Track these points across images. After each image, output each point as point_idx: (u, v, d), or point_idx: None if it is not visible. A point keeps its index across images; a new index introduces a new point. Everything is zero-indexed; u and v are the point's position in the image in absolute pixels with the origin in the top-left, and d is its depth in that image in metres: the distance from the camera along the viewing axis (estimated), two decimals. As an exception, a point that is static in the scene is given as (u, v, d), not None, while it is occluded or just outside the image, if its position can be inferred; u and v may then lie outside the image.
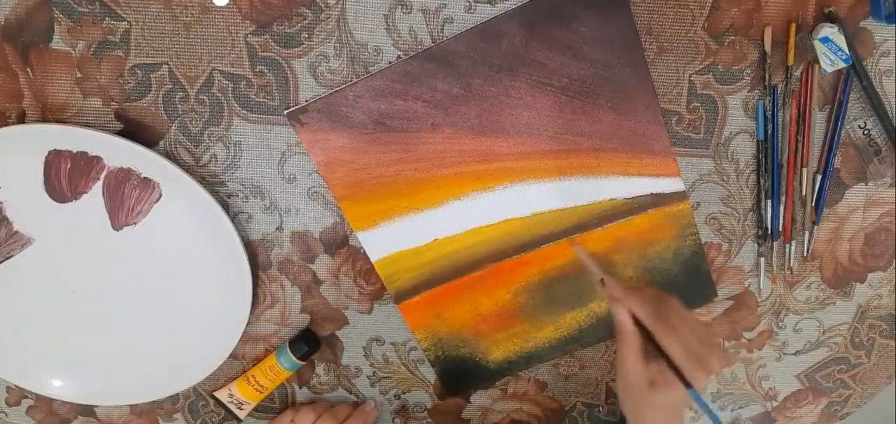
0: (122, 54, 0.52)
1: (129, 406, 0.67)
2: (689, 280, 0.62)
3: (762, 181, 0.57)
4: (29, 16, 0.51)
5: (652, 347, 0.50)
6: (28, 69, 0.52)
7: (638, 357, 0.50)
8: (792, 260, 0.61)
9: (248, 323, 0.60)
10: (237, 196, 0.57)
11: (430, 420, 0.69)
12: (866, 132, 0.56)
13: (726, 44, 0.53)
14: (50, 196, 0.55)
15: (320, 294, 0.61)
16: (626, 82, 0.53)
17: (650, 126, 0.55)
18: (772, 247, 0.60)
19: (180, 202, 0.55)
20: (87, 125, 0.53)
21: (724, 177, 0.58)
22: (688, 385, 0.49)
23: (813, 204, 0.58)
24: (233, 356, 0.62)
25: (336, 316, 0.63)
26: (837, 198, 0.59)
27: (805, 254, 0.61)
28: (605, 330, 0.64)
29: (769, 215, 0.59)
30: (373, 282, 0.61)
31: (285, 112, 0.54)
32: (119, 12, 0.51)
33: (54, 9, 0.50)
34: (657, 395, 0.50)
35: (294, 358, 0.61)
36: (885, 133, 0.56)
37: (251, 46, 0.52)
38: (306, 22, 0.51)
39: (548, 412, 0.69)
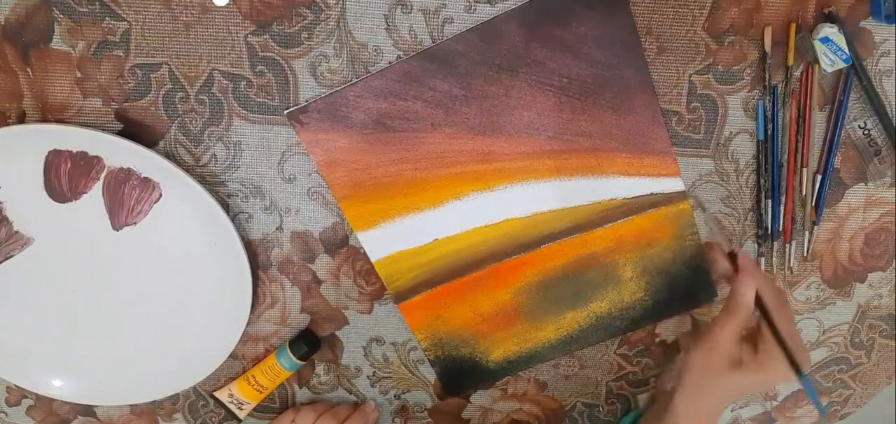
0: (122, 54, 0.52)
1: (129, 406, 0.67)
2: (689, 280, 0.61)
3: (762, 181, 0.57)
4: (29, 16, 0.51)
5: (762, 329, 0.50)
6: (28, 69, 0.52)
7: (737, 333, 0.50)
8: (792, 260, 0.61)
9: (248, 323, 0.60)
10: (237, 196, 0.57)
11: (430, 420, 0.69)
12: (866, 132, 0.56)
13: (726, 44, 0.53)
14: (50, 196, 0.55)
15: (320, 294, 0.61)
16: (626, 82, 0.53)
17: (650, 126, 0.55)
18: (772, 247, 0.60)
19: (180, 202, 0.55)
20: (87, 125, 0.53)
21: (724, 177, 0.58)
22: (798, 370, 0.49)
23: (813, 204, 0.58)
24: (233, 356, 0.62)
25: (336, 316, 0.63)
26: (837, 198, 0.59)
27: (805, 254, 0.61)
28: (604, 330, 0.64)
29: (769, 215, 0.59)
30: (373, 282, 0.61)
31: (285, 112, 0.54)
32: (119, 12, 0.51)
33: (54, 9, 0.50)
34: (739, 376, 0.50)
35: (294, 358, 0.61)
36: (885, 133, 0.56)
37: (251, 46, 0.52)
38: (306, 22, 0.51)
39: (548, 412, 0.69)
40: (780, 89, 0.55)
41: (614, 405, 0.69)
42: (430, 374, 0.66)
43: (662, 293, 0.62)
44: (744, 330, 0.51)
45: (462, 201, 0.57)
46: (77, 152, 0.53)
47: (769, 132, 0.56)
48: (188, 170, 0.54)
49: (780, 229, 0.60)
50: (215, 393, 0.65)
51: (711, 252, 0.54)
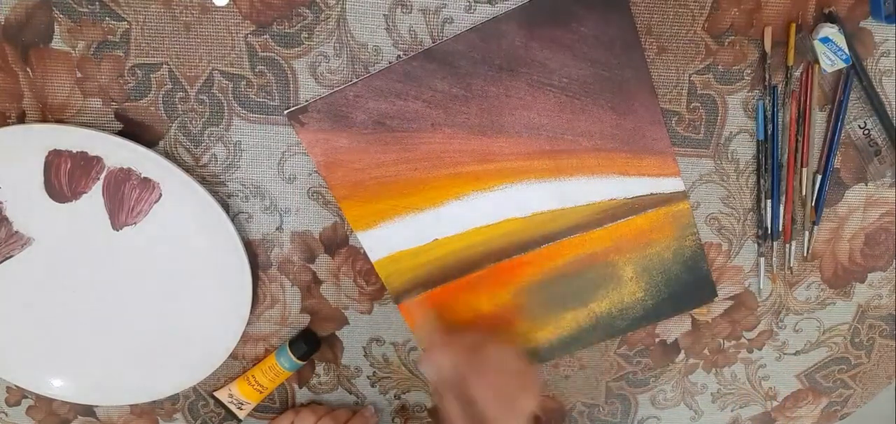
0: (122, 54, 0.52)
1: (129, 406, 0.67)
2: (689, 280, 0.62)
3: (762, 181, 0.57)
4: (29, 16, 0.51)
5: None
6: (28, 69, 0.52)
7: (454, 406, 0.52)
8: (792, 260, 0.61)
9: (248, 323, 0.60)
10: (237, 196, 0.57)
11: (430, 420, 0.69)
12: (866, 132, 0.56)
13: (726, 44, 0.53)
14: (50, 196, 0.55)
15: (320, 294, 0.61)
16: (626, 82, 0.53)
17: (650, 126, 0.55)
18: (772, 247, 0.60)
19: (180, 202, 0.55)
20: (87, 125, 0.53)
21: (724, 177, 0.58)
22: None
23: (813, 204, 0.58)
24: (233, 356, 0.62)
25: (336, 315, 0.63)
26: (837, 198, 0.59)
27: (805, 254, 0.61)
28: (604, 330, 0.64)
29: (769, 215, 0.59)
30: (373, 282, 0.61)
31: (285, 112, 0.54)
32: (119, 12, 0.51)
33: (54, 9, 0.50)
34: None
35: (294, 358, 0.61)
36: (885, 133, 0.56)
37: (251, 46, 0.52)
38: (306, 22, 0.51)
39: (548, 412, 0.69)
40: (780, 89, 0.55)
41: (614, 405, 0.69)
42: (430, 374, 0.66)
43: (662, 293, 0.62)
44: (459, 400, 0.52)
45: (462, 201, 0.57)
46: (77, 152, 0.53)
47: (769, 132, 0.56)
48: (188, 170, 0.54)
49: (780, 229, 0.60)
50: (215, 393, 0.65)
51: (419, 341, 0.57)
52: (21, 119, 0.54)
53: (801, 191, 0.58)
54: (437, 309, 0.62)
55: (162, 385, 0.64)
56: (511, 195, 0.57)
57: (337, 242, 0.59)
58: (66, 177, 0.54)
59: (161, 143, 0.55)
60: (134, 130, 0.54)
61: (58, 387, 0.64)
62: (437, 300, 0.61)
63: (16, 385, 0.66)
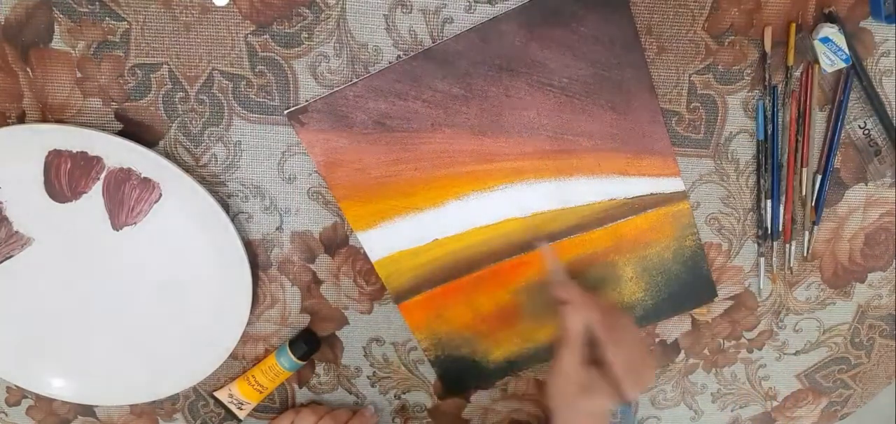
0: (122, 54, 0.52)
1: (129, 406, 0.67)
2: (689, 280, 0.62)
3: (762, 181, 0.57)
4: (29, 16, 0.51)
5: (592, 356, 0.52)
6: (28, 69, 0.52)
7: (577, 362, 0.52)
8: (792, 260, 0.61)
9: (248, 323, 0.60)
10: (237, 196, 0.57)
11: (430, 420, 0.69)
12: (866, 132, 0.56)
13: (726, 44, 0.53)
14: (50, 196, 0.55)
15: (320, 294, 0.61)
16: (626, 82, 0.53)
17: (650, 126, 0.55)
18: (772, 247, 0.60)
19: (180, 202, 0.55)
20: (87, 125, 0.53)
21: (724, 177, 0.58)
22: (622, 399, 0.51)
23: (813, 204, 0.58)
24: (233, 356, 0.62)
25: (336, 315, 0.63)
26: (837, 198, 0.59)
27: (805, 254, 0.61)
28: (605, 330, 0.64)
29: (769, 215, 0.59)
30: (373, 282, 0.61)
31: (285, 112, 0.54)
32: (119, 12, 0.51)
33: (54, 9, 0.50)
34: (587, 401, 0.52)
35: (294, 358, 0.61)
36: (885, 133, 0.56)
37: (251, 46, 0.52)
38: (306, 22, 0.51)
39: (548, 412, 0.69)
40: (780, 89, 0.55)
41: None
42: (430, 374, 0.66)
43: (662, 293, 0.62)
44: (582, 358, 0.52)
45: (462, 201, 0.57)
46: (77, 152, 0.53)
47: (769, 132, 0.56)
48: (188, 170, 0.54)
49: (780, 229, 0.60)
50: (215, 393, 0.65)
51: (552, 285, 0.57)
52: (21, 119, 0.54)
53: (801, 191, 0.58)
54: (438, 308, 0.62)
55: (162, 385, 0.64)
56: (511, 195, 0.57)
57: (337, 242, 0.59)
58: (66, 177, 0.54)
59: (161, 143, 0.55)
60: (134, 130, 0.54)
61: (58, 387, 0.64)
62: (437, 300, 0.61)
63: (16, 385, 0.66)
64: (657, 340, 0.65)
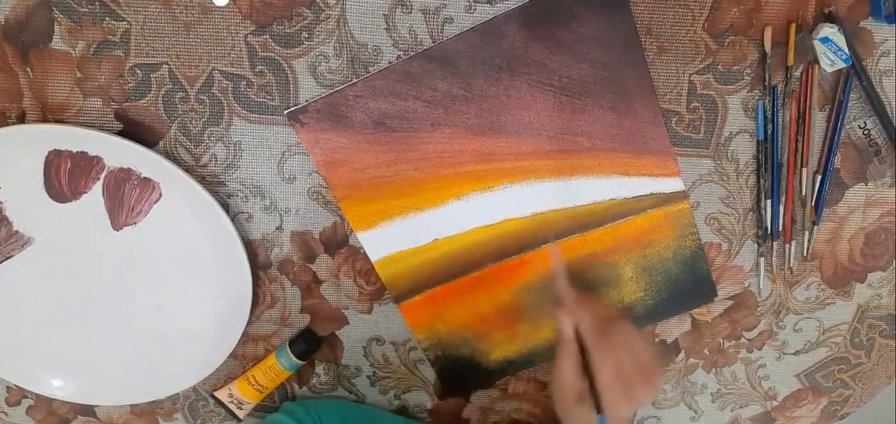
0: (122, 54, 0.52)
1: (129, 406, 0.67)
2: (689, 279, 0.62)
3: (762, 181, 0.57)
4: (29, 16, 0.51)
5: (587, 363, 0.51)
6: (28, 69, 0.52)
7: (573, 368, 0.51)
8: (792, 260, 0.61)
9: (248, 323, 0.60)
10: (237, 196, 0.57)
11: (430, 420, 0.69)
12: (866, 132, 0.56)
13: (726, 44, 0.53)
14: (50, 196, 0.55)
15: (320, 294, 0.61)
16: (626, 82, 0.53)
17: (650, 126, 0.55)
18: (772, 247, 0.60)
19: (180, 202, 0.55)
20: (87, 125, 0.53)
21: (724, 177, 0.58)
22: (599, 410, 0.49)
23: (813, 204, 0.58)
24: (233, 356, 0.62)
25: (336, 315, 0.63)
26: (837, 198, 0.59)
27: (805, 254, 0.61)
28: (605, 329, 0.64)
29: (769, 215, 0.59)
30: (373, 282, 0.61)
31: (285, 112, 0.54)
32: (119, 12, 0.51)
33: (54, 9, 0.50)
34: (581, 410, 0.51)
35: (294, 358, 0.61)
36: (885, 133, 0.56)
37: (251, 46, 0.52)
38: (306, 22, 0.51)
39: (548, 412, 0.69)
40: (780, 89, 0.55)
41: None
42: (430, 374, 0.66)
43: (662, 293, 0.62)
44: (579, 364, 0.51)
45: (462, 201, 0.57)
46: (77, 152, 0.53)
47: (769, 132, 0.56)
48: (188, 170, 0.54)
49: (780, 229, 0.60)
50: (215, 393, 0.65)
51: (553, 286, 0.55)
52: (21, 119, 0.54)
53: (801, 191, 0.58)
54: (438, 308, 0.62)
55: (162, 385, 0.64)
56: (511, 195, 0.57)
57: (337, 242, 0.59)
58: (66, 176, 0.54)
59: (161, 143, 0.55)
60: (134, 130, 0.54)
61: (58, 387, 0.64)
62: (437, 300, 0.61)
63: (16, 385, 0.66)
64: (657, 340, 0.65)
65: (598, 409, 0.49)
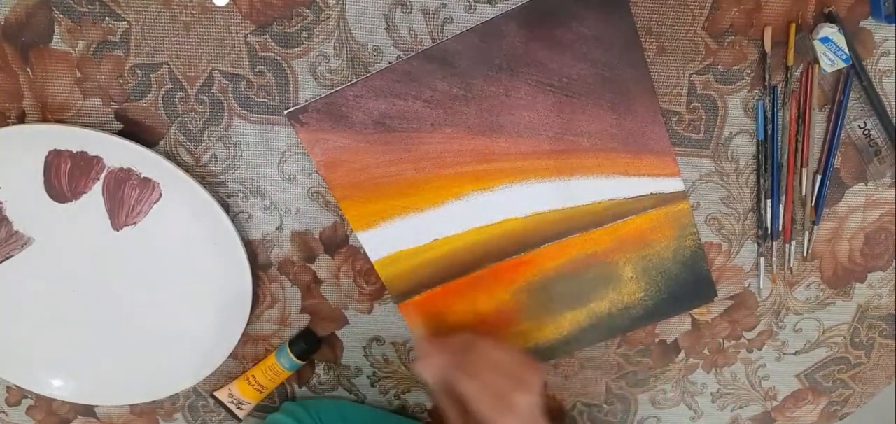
0: (122, 54, 0.52)
1: (129, 406, 0.67)
2: (689, 279, 0.62)
3: (762, 181, 0.57)
4: (29, 16, 0.51)
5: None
6: (28, 69, 0.52)
7: (452, 409, 0.52)
8: (792, 260, 0.61)
9: (248, 323, 0.60)
10: (237, 196, 0.57)
11: (430, 420, 0.69)
12: (866, 132, 0.56)
13: (726, 44, 0.53)
14: (50, 196, 0.55)
15: (320, 294, 0.61)
16: (626, 82, 0.53)
17: (650, 126, 0.55)
18: (772, 247, 0.60)
19: (180, 202, 0.55)
20: (87, 125, 0.53)
21: (724, 177, 0.58)
22: None
23: (813, 204, 0.58)
24: (233, 356, 0.62)
25: (336, 315, 0.63)
26: (837, 198, 0.59)
27: (805, 254, 0.61)
28: (605, 330, 0.64)
29: (769, 215, 0.59)
30: (373, 282, 0.61)
31: (285, 112, 0.54)
32: (119, 12, 0.51)
33: (54, 9, 0.50)
34: None
35: (294, 358, 0.61)
36: (885, 133, 0.56)
37: (251, 46, 0.52)
38: (306, 22, 0.51)
39: (548, 412, 0.69)
40: (780, 89, 0.55)
41: (614, 405, 0.69)
42: (430, 374, 0.66)
43: (662, 293, 0.62)
44: (459, 408, 0.52)
45: (462, 201, 0.57)
46: (77, 152, 0.53)
47: (769, 132, 0.56)
48: (188, 170, 0.54)
49: (780, 229, 0.60)
50: (215, 393, 0.65)
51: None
52: (21, 119, 0.54)
53: (801, 191, 0.58)
54: (438, 308, 0.62)
55: (162, 385, 0.64)
56: (511, 195, 0.57)
57: (337, 242, 0.59)
58: (66, 176, 0.54)
59: (161, 143, 0.55)
60: (134, 130, 0.54)
61: (58, 387, 0.64)
62: (437, 300, 0.61)
63: (16, 385, 0.66)
64: (657, 340, 0.65)
65: None
